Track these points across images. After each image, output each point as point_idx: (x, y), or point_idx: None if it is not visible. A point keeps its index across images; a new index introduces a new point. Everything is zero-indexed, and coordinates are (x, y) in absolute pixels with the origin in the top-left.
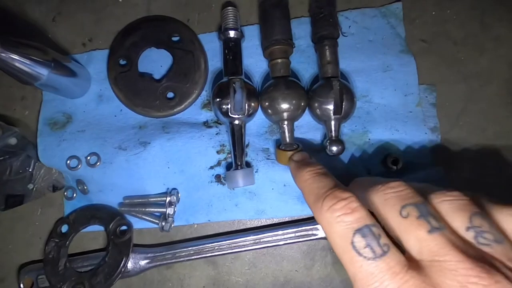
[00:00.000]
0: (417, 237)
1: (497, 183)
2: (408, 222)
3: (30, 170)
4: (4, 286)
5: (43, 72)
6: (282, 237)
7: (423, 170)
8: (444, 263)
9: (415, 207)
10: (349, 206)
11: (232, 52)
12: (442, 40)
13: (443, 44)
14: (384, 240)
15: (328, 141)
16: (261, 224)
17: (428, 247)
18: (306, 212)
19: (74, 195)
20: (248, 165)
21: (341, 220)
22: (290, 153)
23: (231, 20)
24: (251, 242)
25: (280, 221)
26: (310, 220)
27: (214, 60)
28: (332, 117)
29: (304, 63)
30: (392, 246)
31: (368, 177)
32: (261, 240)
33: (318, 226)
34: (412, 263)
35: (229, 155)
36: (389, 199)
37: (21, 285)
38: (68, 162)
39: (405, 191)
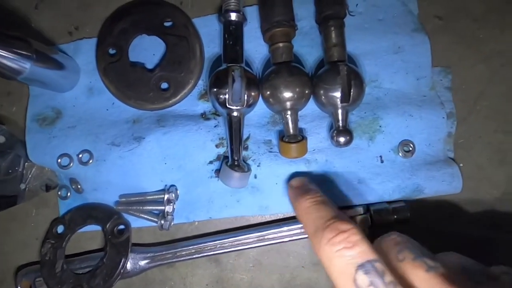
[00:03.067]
0: (417, 275)
1: None
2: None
3: (20, 169)
4: None
5: (24, 65)
6: (288, 233)
7: (437, 166)
8: None
9: (409, 251)
10: (350, 240)
11: (233, 37)
12: (460, 17)
13: (461, 21)
14: (388, 277)
15: (335, 131)
16: (265, 220)
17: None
18: None
19: (69, 194)
20: (245, 161)
21: (341, 254)
22: (294, 145)
23: (233, 1)
24: (255, 239)
25: (285, 216)
26: None
27: (211, 46)
28: (339, 105)
29: (307, 47)
30: (397, 284)
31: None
32: (265, 237)
33: None
34: None
35: None
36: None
37: None
38: (59, 160)
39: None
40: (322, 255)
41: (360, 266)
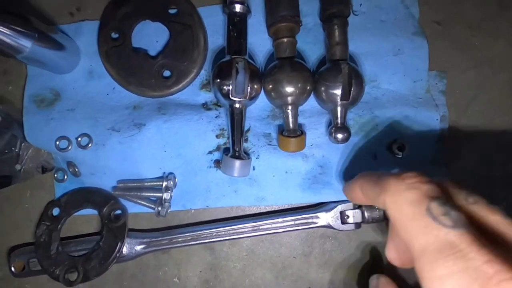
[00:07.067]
0: (494, 219)
1: (502, 175)
2: None
3: (16, 150)
4: None
5: (26, 44)
6: (282, 224)
7: (426, 166)
8: None
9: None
10: (422, 179)
11: (237, 28)
12: (457, 23)
13: (458, 27)
14: (460, 212)
15: (334, 128)
16: (260, 211)
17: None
18: (306, 200)
19: (65, 177)
20: (246, 152)
21: (414, 187)
22: (293, 139)
23: None
24: (250, 229)
25: (280, 208)
26: (310, 208)
27: (215, 37)
28: (339, 102)
29: (310, 43)
30: (467, 221)
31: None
32: (260, 227)
33: (319, 214)
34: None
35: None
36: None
37: (12, 268)
38: (58, 143)
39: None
40: (390, 188)
41: (435, 198)
